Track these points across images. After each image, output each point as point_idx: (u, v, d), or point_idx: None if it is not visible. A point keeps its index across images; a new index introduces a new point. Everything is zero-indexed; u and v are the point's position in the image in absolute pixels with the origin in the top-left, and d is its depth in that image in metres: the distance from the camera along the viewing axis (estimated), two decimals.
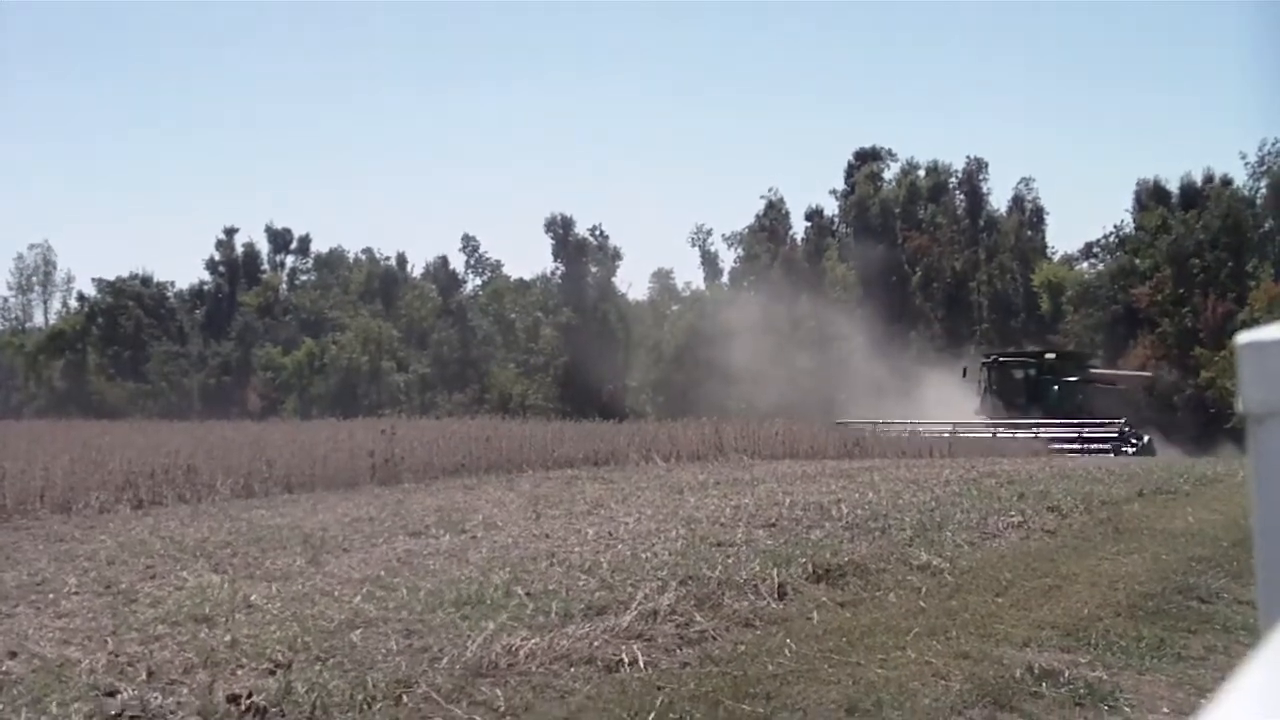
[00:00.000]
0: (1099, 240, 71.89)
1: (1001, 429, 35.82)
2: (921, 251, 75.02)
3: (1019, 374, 41.89)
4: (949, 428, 34.66)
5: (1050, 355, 43.57)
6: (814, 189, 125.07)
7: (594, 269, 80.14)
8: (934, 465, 21.14)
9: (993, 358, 43.47)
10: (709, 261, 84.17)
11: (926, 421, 36.03)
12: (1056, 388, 40.37)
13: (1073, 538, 10.88)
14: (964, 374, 42.31)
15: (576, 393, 68.55)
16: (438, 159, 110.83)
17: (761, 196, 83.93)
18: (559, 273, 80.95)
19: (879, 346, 60.72)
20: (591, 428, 25.82)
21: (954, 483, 16.00)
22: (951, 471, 18.50)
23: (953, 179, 79.17)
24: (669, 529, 10.50)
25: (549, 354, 75.30)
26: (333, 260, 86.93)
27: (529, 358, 76.01)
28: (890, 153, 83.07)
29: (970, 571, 8.74)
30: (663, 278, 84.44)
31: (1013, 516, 11.82)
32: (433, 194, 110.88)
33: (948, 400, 42.02)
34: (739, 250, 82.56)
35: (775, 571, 7.99)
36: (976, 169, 78.18)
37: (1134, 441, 34.62)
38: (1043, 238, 76.01)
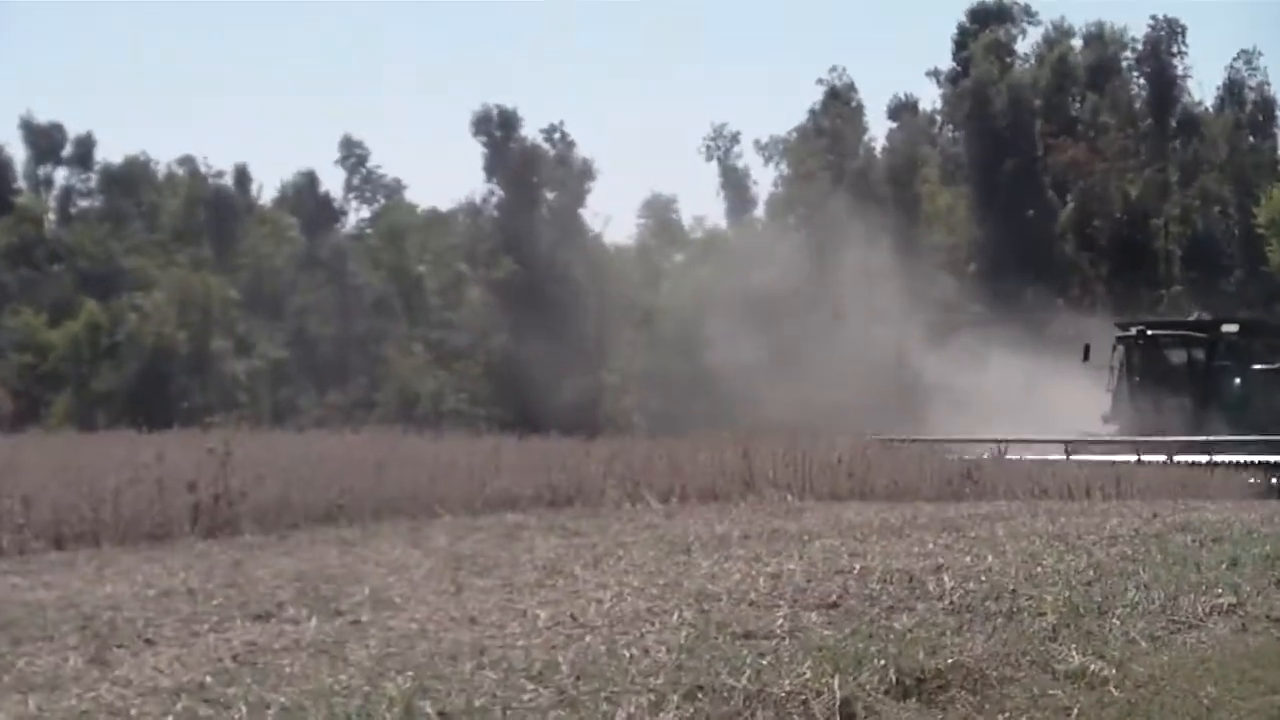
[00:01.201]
0: None
1: (1147, 447, 35.10)
2: (1076, 168, 75.17)
3: (1178, 357, 41.87)
4: (1063, 445, 34.73)
5: (1230, 327, 42.61)
6: (903, 70, 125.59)
7: (551, 195, 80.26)
8: (1093, 511, 21.15)
9: (1136, 330, 42.93)
10: (735, 184, 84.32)
11: (1019, 439, 35.00)
12: (1240, 380, 40.25)
13: None
14: (1085, 356, 42.16)
15: (521, 392, 68.67)
16: (299, 18, 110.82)
17: (820, 81, 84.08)
18: (495, 200, 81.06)
19: (1001, 318, 61.06)
20: (546, 448, 25.78)
21: (1124, 539, 15.97)
22: (1121, 522, 18.49)
23: (1128, 53, 79.30)
24: (668, 610, 10.48)
25: (479, 330, 75.42)
26: (131, 176, 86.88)
27: (446, 335, 76.07)
28: (1027, 11, 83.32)
29: (1151, 684, 8.73)
30: (660, 210, 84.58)
31: (1220, 596, 11.82)
32: (292, 74, 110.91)
33: (1068, 399, 42.14)
34: (782, 166, 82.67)
35: (837, 680, 7.96)
36: (1166, 37, 78.32)
37: None
38: (1274, 148, 76.28)
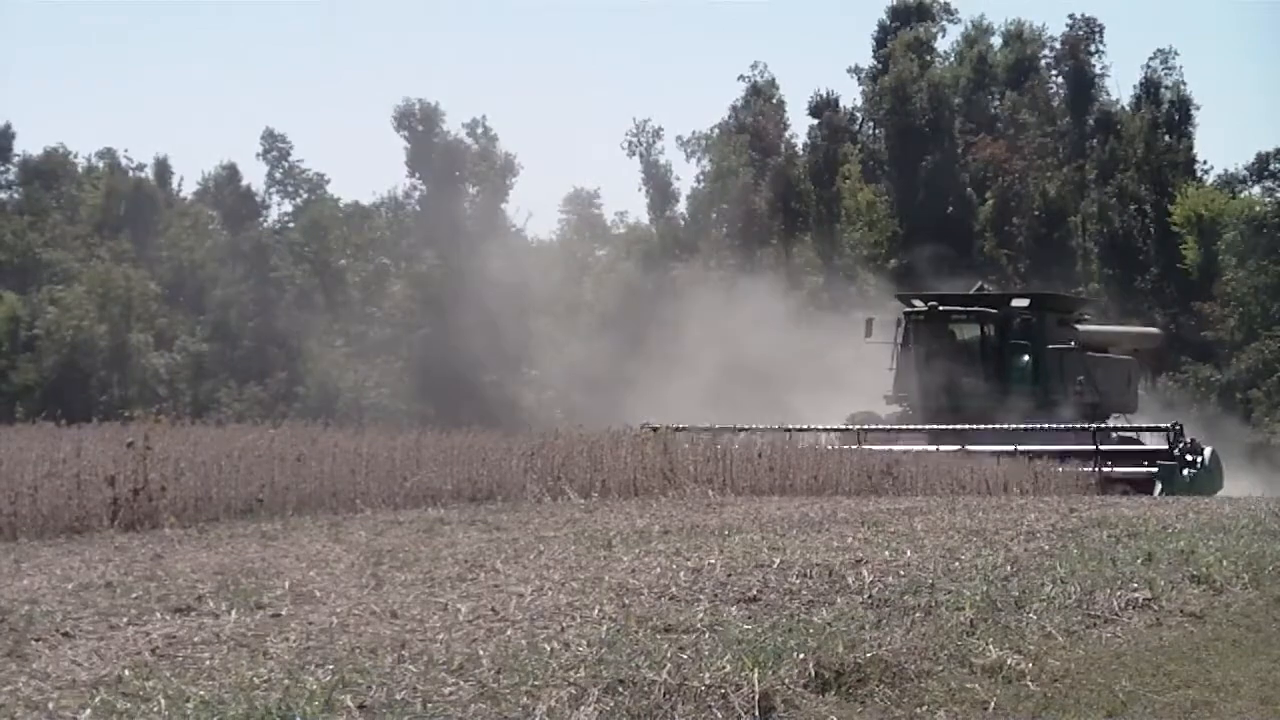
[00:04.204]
0: (1277, 152, 72.86)
1: (937, 435, 33.39)
2: (995, 166, 75.64)
3: (967, 333, 39.86)
4: (846, 429, 33.10)
5: (1021, 302, 40.59)
6: (824, 67, 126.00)
7: (473, 189, 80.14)
8: (1010, 507, 21.27)
9: (921, 307, 40.44)
10: (657, 180, 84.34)
11: (803, 428, 32.66)
12: (1028, 358, 38.42)
13: (1230, 626, 10.98)
14: (868, 332, 39.63)
15: (442, 386, 68.56)
16: (223, 10, 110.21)
17: (741, 78, 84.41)
18: (417, 195, 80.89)
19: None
20: (467, 442, 25.70)
21: (1042, 534, 16.06)
22: (1038, 517, 18.60)
23: (1046, 51, 79.83)
24: (589, 604, 10.48)
25: (401, 324, 75.20)
26: (50, 168, 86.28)
27: (368, 329, 75.83)
28: (947, 9, 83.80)
29: (1067, 678, 8.79)
30: (583, 204, 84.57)
31: (1135, 590, 11.92)
32: (213, 63, 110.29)
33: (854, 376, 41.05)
34: (704, 162, 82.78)
35: (756, 674, 7.98)
36: (1085, 36, 78.92)
37: (1189, 459, 32.64)
38: (1189, 147, 76.95)
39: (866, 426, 34.57)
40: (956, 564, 13.18)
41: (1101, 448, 32.15)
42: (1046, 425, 33.77)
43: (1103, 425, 35.27)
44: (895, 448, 30.81)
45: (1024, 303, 40.16)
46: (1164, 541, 15.43)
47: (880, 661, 8.63)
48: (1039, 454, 30.60)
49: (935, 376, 38.13)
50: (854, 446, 30.38)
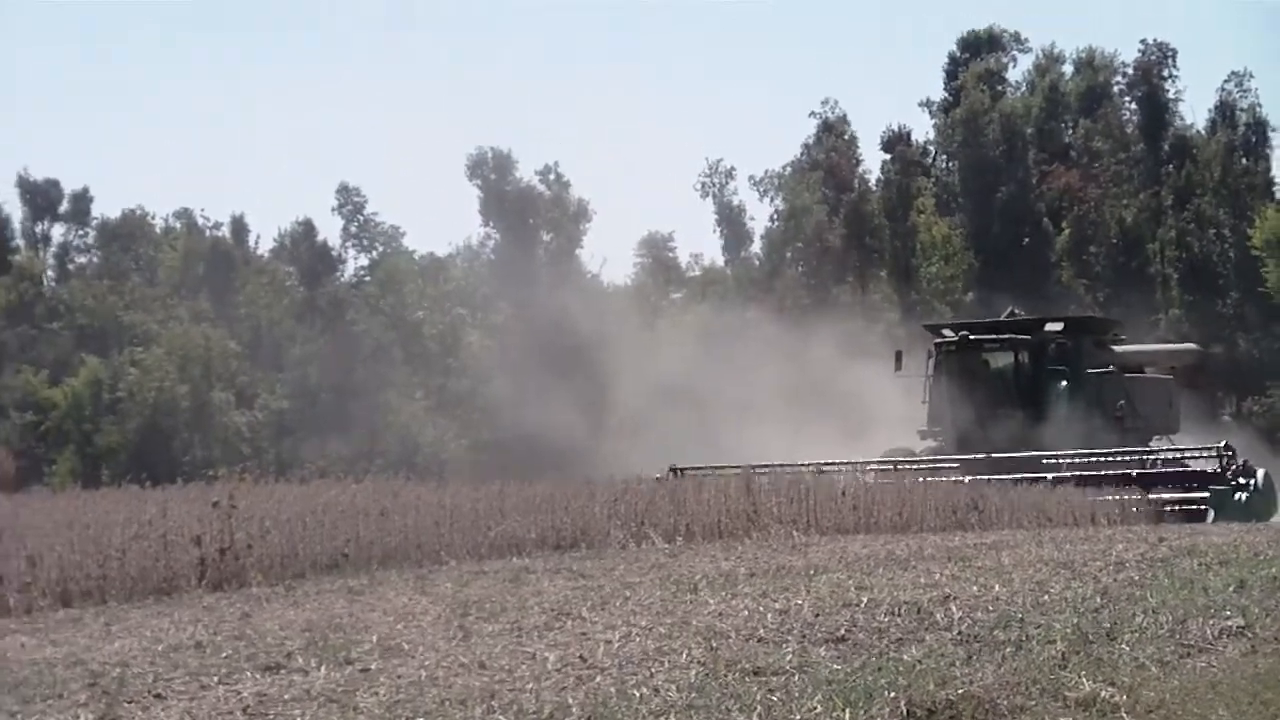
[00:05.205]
0: None
1: (971, 465, 32.45)
2: (1070, 195, 75.26)
3: (1000, 361, 38.99)
4: (873, 463, 32.19)
5: (1055, 326, 39.68)
6: (895, 101, 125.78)
7: (547, 236, 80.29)
8: (1098, 538, 21.15)
9: (951, 337, 39.54)
10: (730, 220, 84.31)
11: (838, 462, 32.35)
12: (1066, 384, 37.45)
13: None
14: (898, 365, 39.44)
15: (523, 437, 68.56)
16: (293, 67, 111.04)
17: (813, 114, 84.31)
18: (491, 243, 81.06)
19: None
20: (549, 491, 25.72)
21: (1131, 565, 15.99)
22: (1127, 547, 18.50)
23: (1119, 78, 79.42)
24: (677, 649, 10.49)
25: (477, 375, 75.30)
26: (128, 230, 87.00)
27: (446, 381, 75.98)
28: (1018, 39, 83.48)
29: (1162, 709, 8.72)
30: (657, 248, 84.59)
31: (1229, 619, 11.83)
32: (287, 119, 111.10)
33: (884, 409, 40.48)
34: (777, 201, 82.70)
35: (848, 714, 7.97)
36: (1157, 61, 78.45)
37: (1243, 482, 31.34)
38: (1267, 169, 76.32)
39: (902, 459, 34.04)
40: (1046, 597, 13.12)
41: (1148, 471, 31.45)
42: (1091, 453, 32.53)
43: (1150, 450, 34.08)
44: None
45: (1058, 327, 39.38)
46: (1256, 568, 15.32)
47: (972, 698, 8.59)
48: (1084, 482, 30.02)
49: (969, 408, 37.24)
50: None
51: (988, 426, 36.23)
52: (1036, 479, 30.02)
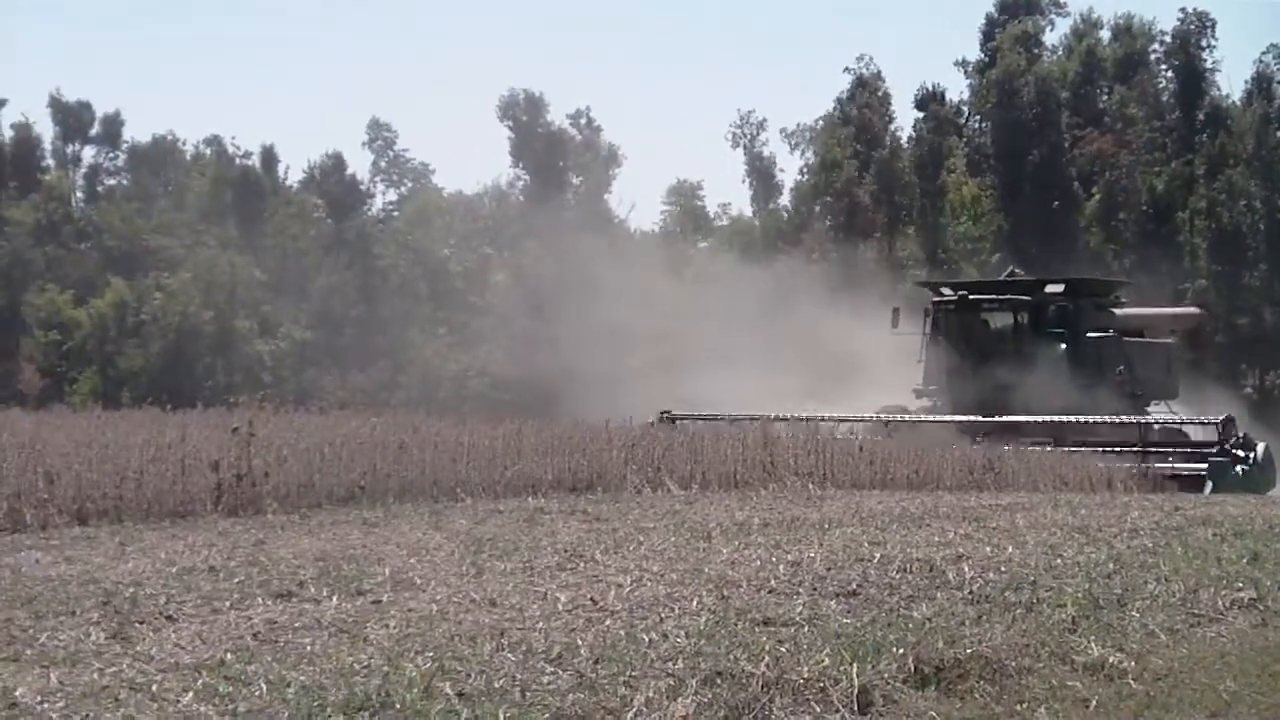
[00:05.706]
0: None
1: (970, 425, 32.89)
2: (1102, 160, 74.97)
3: (999, 322, 38.58)
4: (870, 419, 32.41)
5: (1056, 287, 39.08)
6: (930, 60, 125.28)
7: (577, 180, 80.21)
8: (1114, 504, 21.13)
9: (950, 296, 39.39)
10: (760, 172, 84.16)
11: (831, 416, 32.09)
12: (1064, 346, 36.94)
13: None
14: (894, 322, 39.05)
15: (540, 376, 68.60)
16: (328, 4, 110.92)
17: (847, 70, 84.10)
18: (521, 185, 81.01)
19: None
20: (566, 433, 25.76)
21: (1145, 532, 15.97)
22: (1142, 514, 18.47)
23: (1156, 45, 79.08)
24: (687, 596, 10.51)
25: (503, 313, 75.27)
26: (158, 155, 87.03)
27: (470, 319, 75.98)
28: (1056, 2, 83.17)
29: (1170, 677, 8.72)
30: (686, 196, 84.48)
31: (1241, 590, 11.81)
32: (320, 52, 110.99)
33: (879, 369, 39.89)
34: (808, 154, 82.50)
35: (855, 668, 7.97)
36: (1196, 31, 78.07)
37: (1241, 454, 30.99)
38: None
39: (894, 417, 33.97)
40: (1058, 560, 13.11)
41: (1149, 440, 31.50)
42: (1090, 418, 32.60)
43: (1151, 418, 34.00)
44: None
45: (1059, 288, 38.83)
46: (1270, 541, 15.30)
47: (980, 658, 8.59)
48: (1080, 447, 30.34)
49: (966, 368, 36.94)
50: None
51: (984, 387, 35.86)
52: (1037, 444, 30.02)
